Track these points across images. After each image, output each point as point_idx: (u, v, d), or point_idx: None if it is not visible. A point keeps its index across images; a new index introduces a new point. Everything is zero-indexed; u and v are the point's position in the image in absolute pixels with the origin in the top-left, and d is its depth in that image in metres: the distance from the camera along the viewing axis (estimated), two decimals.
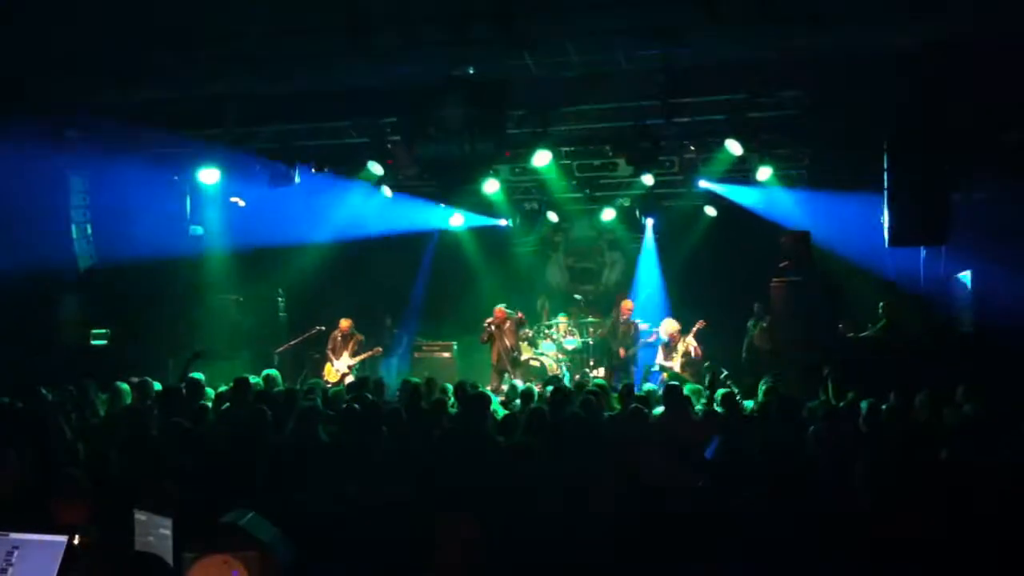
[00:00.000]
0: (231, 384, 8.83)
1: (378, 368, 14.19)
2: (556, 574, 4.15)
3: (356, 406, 7.07)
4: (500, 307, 13.61)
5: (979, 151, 10.37)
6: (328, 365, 13.52)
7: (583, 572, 4.14)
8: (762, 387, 8.99)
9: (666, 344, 12.65)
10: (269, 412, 7.00)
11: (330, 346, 13.64)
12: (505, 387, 11.60)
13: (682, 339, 12.42)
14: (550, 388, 8.74)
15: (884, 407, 7.21)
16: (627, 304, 14.08)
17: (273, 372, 9.99)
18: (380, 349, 13.88)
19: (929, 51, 9.05)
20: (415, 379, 9.50)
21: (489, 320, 13.33)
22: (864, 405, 7.21)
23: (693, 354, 12.36)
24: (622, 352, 13.70)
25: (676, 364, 12.17)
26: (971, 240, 10.83)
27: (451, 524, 3.90)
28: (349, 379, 12.38)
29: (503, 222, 15.97)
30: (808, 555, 4.18)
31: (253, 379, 9.27)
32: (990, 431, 6.23)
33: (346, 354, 13.45)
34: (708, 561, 4.24)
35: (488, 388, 9.40)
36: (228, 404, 8.34)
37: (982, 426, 6.41)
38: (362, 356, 13.47)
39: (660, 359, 12.73)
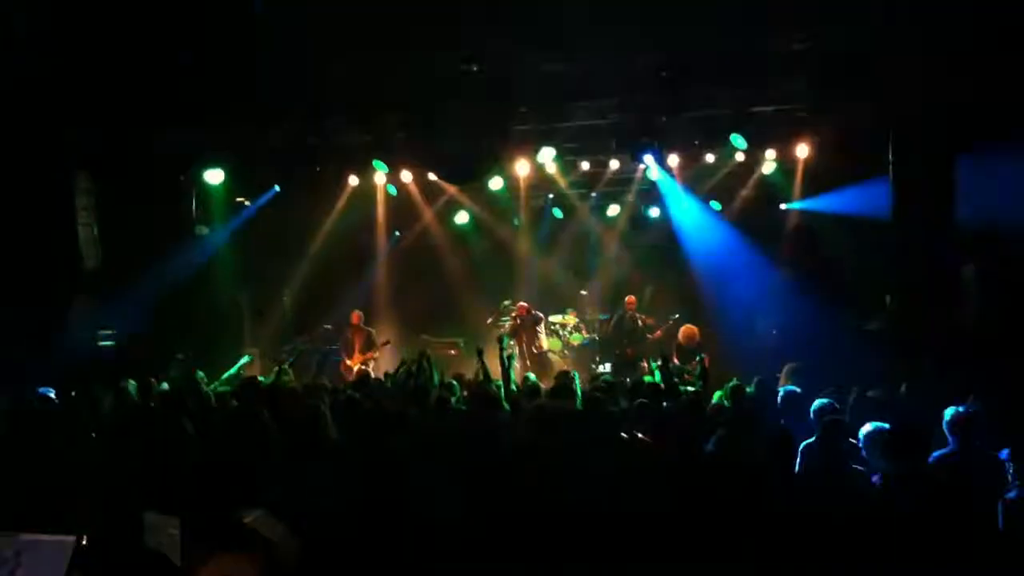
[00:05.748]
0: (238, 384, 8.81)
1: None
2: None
3: (364, 404, 7.05)
4: (524, 304, 13.74)
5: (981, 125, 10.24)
6: (344, 364, 13.29)
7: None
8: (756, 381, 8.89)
9: (680, 348, 12.22)
10: (269, 413, 6.96)
11: (342, 346, 13.49)
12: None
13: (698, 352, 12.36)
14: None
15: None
16: (630, 300, 13.99)
17: (284, 370, 9.95)
18: (389, 341, 13.62)
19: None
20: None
21: (504, 318, 13.25)
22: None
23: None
24: (629, 352, 13.54)
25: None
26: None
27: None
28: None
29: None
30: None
31: (262, 379, 9.26)
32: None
33: (358, 351, 13.25)
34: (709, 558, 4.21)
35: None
36: (236, 403, 8.32)
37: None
38: (372, 354, 13.20)
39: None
